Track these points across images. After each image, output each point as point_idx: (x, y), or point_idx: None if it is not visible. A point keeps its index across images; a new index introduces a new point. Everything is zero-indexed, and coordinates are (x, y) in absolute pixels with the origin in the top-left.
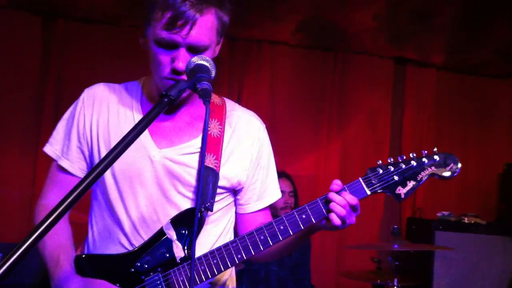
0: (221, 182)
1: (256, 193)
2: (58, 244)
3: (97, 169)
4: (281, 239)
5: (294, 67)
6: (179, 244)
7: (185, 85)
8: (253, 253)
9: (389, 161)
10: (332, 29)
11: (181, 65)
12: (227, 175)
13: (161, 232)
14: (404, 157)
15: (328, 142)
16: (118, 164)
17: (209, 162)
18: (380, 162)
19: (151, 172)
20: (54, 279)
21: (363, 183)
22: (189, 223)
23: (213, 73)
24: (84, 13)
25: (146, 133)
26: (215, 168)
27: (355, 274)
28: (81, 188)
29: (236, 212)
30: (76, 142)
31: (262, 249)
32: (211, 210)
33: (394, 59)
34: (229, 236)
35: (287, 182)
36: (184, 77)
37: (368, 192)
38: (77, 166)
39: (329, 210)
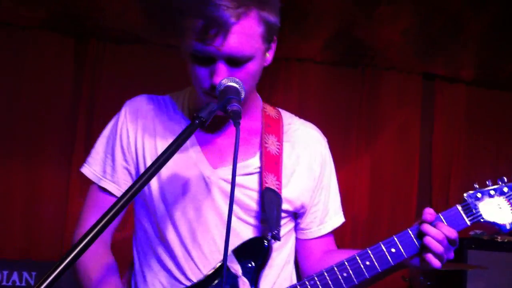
0: (284, 206)
1: (318, 216)
2: (103, 280)
3: (129, 193)
4: (367, 276)
5: (322, 84)
6: (246, 280)
7: (216, 106)
8: None
9: (487, 183)
10: (360, 45)
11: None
12: (290, 197)
13: (223, 265)
14: (506, 179)
15: (357, 158)
16: (167, 186)
17: (271, 183)
18: (477, 185)
19: (206, 195)
20: None
21: (461, 211)
22: (255, 254)
23: (242, 95)
24: (116, 34)
25: (198, 149)
26: (277, 190)
27: None
28: (114, 210)
29: (296, 238)
30: (121, 161)
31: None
32: (279, 239)
33: (423, 74)
34: (292, 266)
35: None
36: None
37: (468, 223)
38: (123, 188)
39: (424, 246)
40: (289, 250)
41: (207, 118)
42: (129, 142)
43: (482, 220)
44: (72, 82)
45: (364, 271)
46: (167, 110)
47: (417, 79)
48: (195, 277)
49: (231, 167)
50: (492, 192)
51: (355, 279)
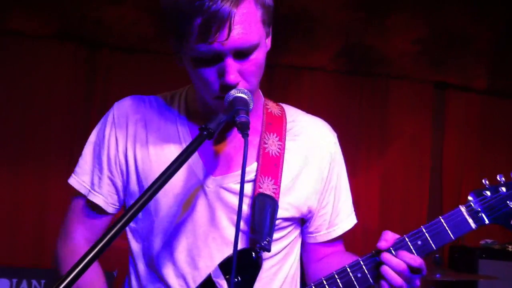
0: (283, 213)
1: (327, 219)
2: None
3: (132, 209)
4: None
5: (333, 93)
6: None
7: (224, 117)
8: None
9: (499, 179)
10: (372, 54)
11: (232, 78)
12: (294, 202)
13: (208, 280)
14: None
15: (368, 168)
16: (163, 196)
17: (266, 188)
18: (487, 182)
19: (204, 205)
20: None
21: (465, 213)
22: (242, 268)
23: (251, 106)
24: (128, 43)
25: (196, 157)
26: (273, 194)
27: None
28: (115, 230)
29: (303, 240)
30: (107, 173)
31: None
32: (268, 250)
33: (435, 83)
34: (296, 279)
35: None
36: (241, 85)
37: (473, 225)
38: (109, 201)
39: (380, 276)
40: (292, 261)
41: (215, 129)
42: (117, 152)
43: (487, 222)
44: (84, 92)
45: None
46: (162, 111)
47: (428, 88)
48: None
49: (230, 175)
50: (503, 189)
51: None
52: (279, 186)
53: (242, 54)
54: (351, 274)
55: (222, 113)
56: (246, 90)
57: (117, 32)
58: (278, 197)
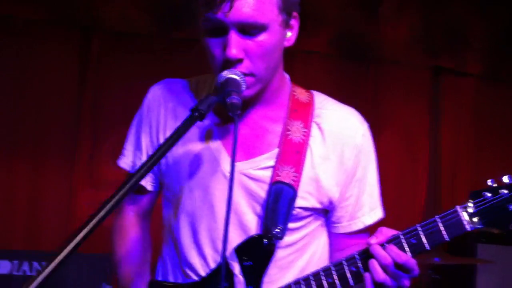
0: (302, 202)
1: (349, 211)
2: (132, 267)
3: (127, 185)
4: None
5: (328, 77)
6: (242, 278)
7: (215, 99)
8: None
9: (507, 181)
10: (366, 39)
11: (233, 52)
12: (315, 192)
13: (225, 263)
14: None
15: None
16: (186, 181)
17: (286, 176)
18: (493, 182)
19: (224, 191)
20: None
21: (461, 214)
22: (254, 253)
23: (243, 87)
24: (121, 27)
25: (218, 142)
26: (292, 182)
27: None
28: (107, 207)
29: (327, 229)
30: (145, 154)
31: None
32: (280, 238)
33: (429, 68)
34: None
35: None
36: (244, 64)
37: (468, 227)
38: (148, 180)
39: (367, 268)
40: (314, 249)
41: (206, 110)
42: (151, 134)
43: (480, 226)
44: (76, 77)
45: None
46: (187, 95)
47: (424, 73)
48: (205, 273)
49: (252, 160)
50: (504, 192)
51: None
52: (300, 174)
53: (245, 29)
54: (346, 268)
55: (213, 94)
56: (238, 72)
57: (109, 16)
58: (298, 185)
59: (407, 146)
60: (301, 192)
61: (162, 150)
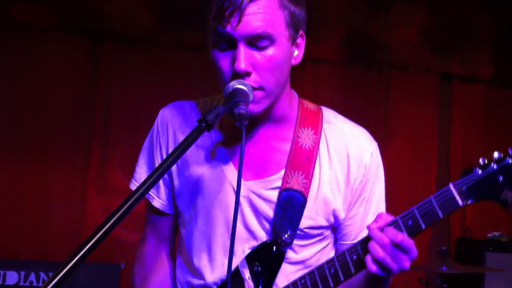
0: (309, 222)
1: (354, 229)
2: None
3: (134, 197)
4: (332, 286)
5: (337, 84)
6: (251, 283)
7: (223, 109)
8: None
9: (495, 156)
10: (375, 45)
11: (242, 66)
12: (321, 210)
13: (236, 270)
14: None
15: None
16: (199, 198)
17: (295, 183)
18: (484, 160)
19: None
20: None
21: (454, 190)
22: (264, 259)
23: (251, 97)
24: (131, 36)
25: (229, 161)
26: (302, 190)
27: None
28: (116, 217)
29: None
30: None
31: (332, 286)
32: (290, 244)
33: (440, 74)
34: None
35: None
36: (253, 78)
37: (460, 203)
38: (166, 203)
39: (367, 251)
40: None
41: (213, 121)
42: (161, 156)
43: (472, 200)
44: (88, 83)
45: (329, 280)
46: (194, 116)
47: (434, 79)
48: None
49: (262, 180)
50: (494, 166)
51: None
52: (310, 181)
53: (254, 42)
54: (347, 257)
55: (221, 105)
56: (246, 82)
57: (120, 24)
58: (308, 192)
59: (417, 151)
60: (307, 211)
61: (170, 159)
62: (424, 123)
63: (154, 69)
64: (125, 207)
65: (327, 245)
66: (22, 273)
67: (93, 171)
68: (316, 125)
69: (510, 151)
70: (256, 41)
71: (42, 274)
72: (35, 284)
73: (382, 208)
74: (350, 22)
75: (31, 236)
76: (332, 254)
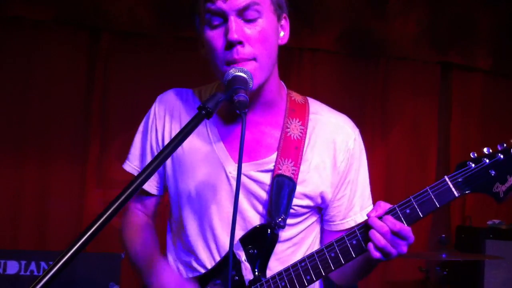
0: (297, 202)
1: (341, 210)
2: (152, 256)
3: (133, 185)
4: (332, 269)
5: (336, 74)
6: (248, 266)
7: (222, 97)
8: (323, 274)
9: (485, 152)
10: (374, 35)
11: (235, 35)
12: (309, 193)
13: (232, 253)
14: (505, 145)
15: (373, 150)
16: (192, 181)
17: (286, 169)
18: (475, 154)
19: (227, 190)
20: (149, 272)
21: (449, 183)
22: (259, 242)
23: (251, 85)
24: (129, 29)
25: (221, 145)
26: (291, 176)
27: (402, 284)
28: (114, 207)
29: (321, 225)
30: (150, 159)
31: (333, 268)
32: (283, 227)
33: (439, 64)
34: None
35: None
36: (245, 49)
37: (456, 194)
38: (152, 184)
39: (368, 239)
40: (310, 242)
41: (213, 108)
42: (157, 141)
43: (468, 191)
44: (85, 76)
45: (330, 262)
46: (193, 104)
47: (433, 69)
48: (210, 266)
49: (253, 162)
50: (486, 160)
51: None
52: (299, 168)
53: (245, 16)
54: (347, 242)
55: (221, 92)
56: (246, 69)
57: (117, 17)
58: (297, 178)
59: (416, 142)
60: (297, 192)
61: (169, 148)
62: (423, 113)
63: (152, 62)
64: (124, 195)
65: (311, 223)
66: (23, 262)
67: (92, 163)
68: (303, 116)
69: (499, 147)
70: (245, 13)
71: (43, 264)
72: (36, 273)
73: (367, 190)
74: (349, 14)
75: (31, 226)
76: (316, 231)
